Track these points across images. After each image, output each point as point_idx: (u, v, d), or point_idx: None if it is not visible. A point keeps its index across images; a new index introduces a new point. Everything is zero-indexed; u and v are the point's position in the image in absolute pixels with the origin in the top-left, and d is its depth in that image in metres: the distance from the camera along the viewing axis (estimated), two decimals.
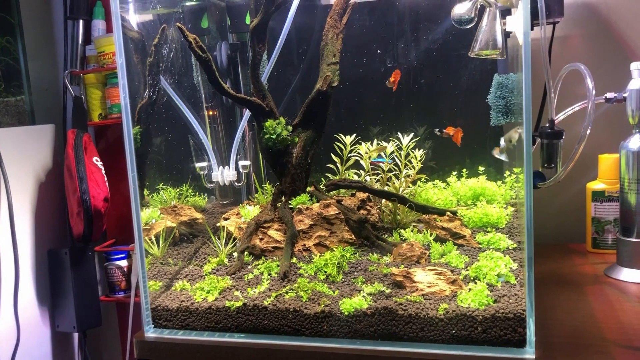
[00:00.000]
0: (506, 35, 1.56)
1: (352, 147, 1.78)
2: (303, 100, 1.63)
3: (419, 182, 1.79)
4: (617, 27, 1.86)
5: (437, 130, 1.71)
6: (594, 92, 1.47)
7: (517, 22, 1.49)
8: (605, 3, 1.85)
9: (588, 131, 1.46)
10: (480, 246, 1.46)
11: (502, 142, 1.66)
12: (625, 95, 1.50)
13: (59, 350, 2.27)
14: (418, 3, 1.91)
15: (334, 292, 1.27)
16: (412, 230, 1.55)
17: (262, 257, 1.50)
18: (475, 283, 1.23)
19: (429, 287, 1.23)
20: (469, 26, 1.48)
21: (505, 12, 1.59)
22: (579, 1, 1.86)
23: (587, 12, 1.87)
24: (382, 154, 1.72)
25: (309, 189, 1.64)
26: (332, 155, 1.80)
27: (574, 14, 1.86)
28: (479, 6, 1.47)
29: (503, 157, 1.69)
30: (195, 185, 1.99)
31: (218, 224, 1.67)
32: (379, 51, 1.93)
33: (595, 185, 1.71)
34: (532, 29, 1.49)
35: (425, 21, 1.90)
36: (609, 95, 1.53)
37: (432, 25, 1.88)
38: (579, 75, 1.50)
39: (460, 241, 1.48)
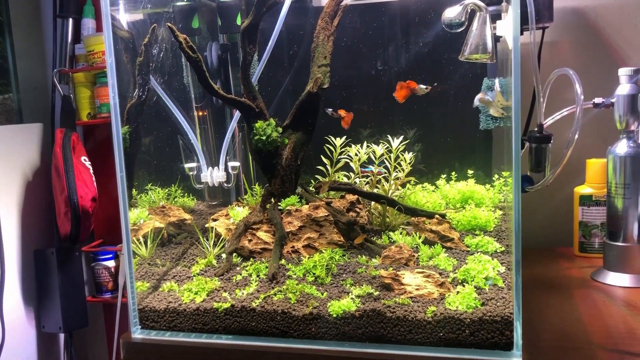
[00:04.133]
0: (496, 39, 1.57)
1: (342, 150, 1.78)
2: (293, 101, 1.63)
3: (408, 185, 1.79)
4: (605, 33, 1.87)
5: (329, 110, 1.74)
6: (582, 97, 1.49)
7: (507, 27, 1.50)
8: (594, 10, 1.87)
9: (576, 136, 1.48)
10: (469, 249, 1.46)
11: (487, 95, 1.66)
12: (613, 100, 1.51)
13: (45, 351, 2.25)
14: (409, 6, 1.91)
15: (322, 294, 1.27)
16: (400, 233, 1.55)
17: (251, 259, 1.49)
18: (463, 286, 1.23)
19: (417, 289, 1.23)
20: (459, 30, 1.49)
21: (496, 17, 1.60)
22: (568, 7, 1.88)
23: (576, 18, 1.89)
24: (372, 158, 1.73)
25: (298, 190, 1.64)
26: (322, 157, 1.80)
27: (563, 20, 1.88)
28: (469, 10, 1.48)
29: (478, 103, 1.71)
30: (184, 185, 1.98)
31: (207, 225, 1.66)
32: (370, 53, 1.94)
33: (583, 189, 1.72)
34: (521, 34, 1.50)
35: (416, 24, 1.90)
36: (597, 100, 1.55)
37: (423, 29, 1.89)
38: (567, 80, 1.51)
39: (448, 244, 1.48)
